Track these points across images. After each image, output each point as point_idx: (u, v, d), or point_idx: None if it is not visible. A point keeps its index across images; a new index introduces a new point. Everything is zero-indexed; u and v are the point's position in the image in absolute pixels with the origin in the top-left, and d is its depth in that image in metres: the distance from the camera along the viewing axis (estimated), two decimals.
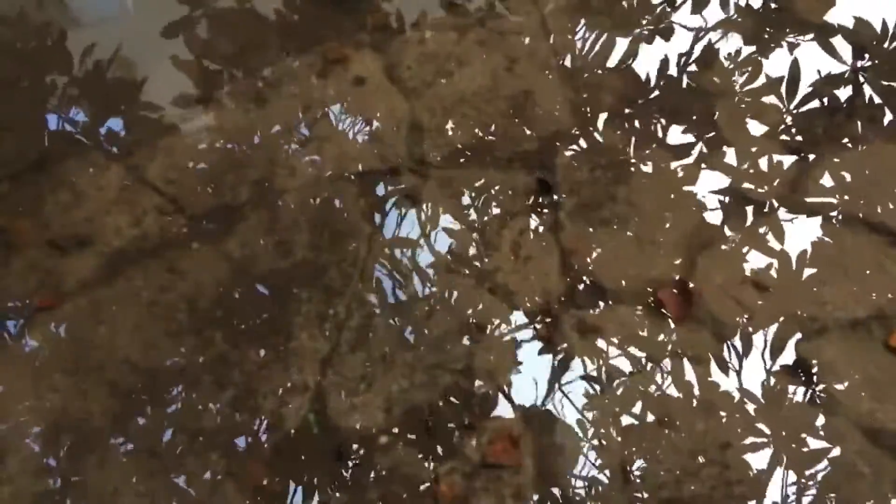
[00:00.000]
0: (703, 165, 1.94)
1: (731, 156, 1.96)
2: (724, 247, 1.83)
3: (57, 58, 2.15)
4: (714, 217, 1.87)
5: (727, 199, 1.89)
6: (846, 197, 1.89)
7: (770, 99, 2.05)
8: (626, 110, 2.03)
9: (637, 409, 1.64)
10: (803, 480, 1.56)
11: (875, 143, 1.96)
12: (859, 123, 2.00)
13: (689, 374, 1.68)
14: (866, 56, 2.12)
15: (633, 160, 1.95)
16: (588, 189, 1.91)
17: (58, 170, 1.95)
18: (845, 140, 1.98)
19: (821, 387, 1.66)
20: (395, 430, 1.63)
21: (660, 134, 2.00)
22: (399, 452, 1.60)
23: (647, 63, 2.12)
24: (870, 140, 1.97)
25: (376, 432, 1.62)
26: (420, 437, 1.62)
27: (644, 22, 2.20)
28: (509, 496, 1.56)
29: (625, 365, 1.69)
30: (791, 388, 1.66)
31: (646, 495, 1.55)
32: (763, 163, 1.95)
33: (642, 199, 1.89)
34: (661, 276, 1.79)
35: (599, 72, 2.10)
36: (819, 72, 2.09)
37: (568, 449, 1.59)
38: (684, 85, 2.08)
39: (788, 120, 2.01)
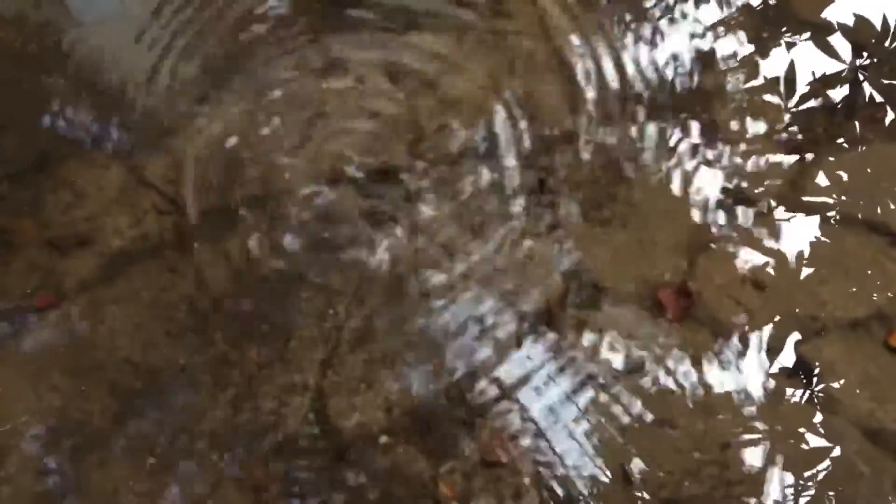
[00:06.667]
0: (702, 165, 1.94)
1: (730, 155, 1.96)
2: (723, 247, 1.83)
3: (57, 58, 2.14)
4: (714, 217, 1.87)
5: (727, 199, 1.89)
6: (846, 197, 1.89)
7: (769, 98, 2.05)
8: (627, 110, 2.03)
9: (637, 409, 1.64)
10: (802, 481, 1.56)
11: (875, 143, 1.96)
12: (859, 123, 2.00)
13: (689, 374, 1.68)
14: (866, 54, 2.11)
15: (633, 160, 1.95)
16: (588, 189, 1.91)
17: (58, 170, 1.95)
18: (845, 140, 1.98)
19: (820, 386, 1.66)
20: (395, 430, 1.63)
21: (659, 133, 1.99)
22: (399, 452, 1.60)
23: (648, 62, 2.12)
24: (869, 140, 1.97)
25: (376, 432, 1.63)
26: (420, 437, 1.62)
27: (643, 21, 2.19)
28: (509, 496, 1.56)
29: (624, 364, 1.69)
30: (790, 388, 1.66)
31: (646, 495, 1.55)
32: (762, 162, 1.95)
33: (642, 199, 1.89)
34: (661, 276, 1.79)
35: (599, 71, 2.10)
36: (813, 73, 2.09)
37: None
38: (683, 84, 2.08)
39: (787, 119, 2.01)
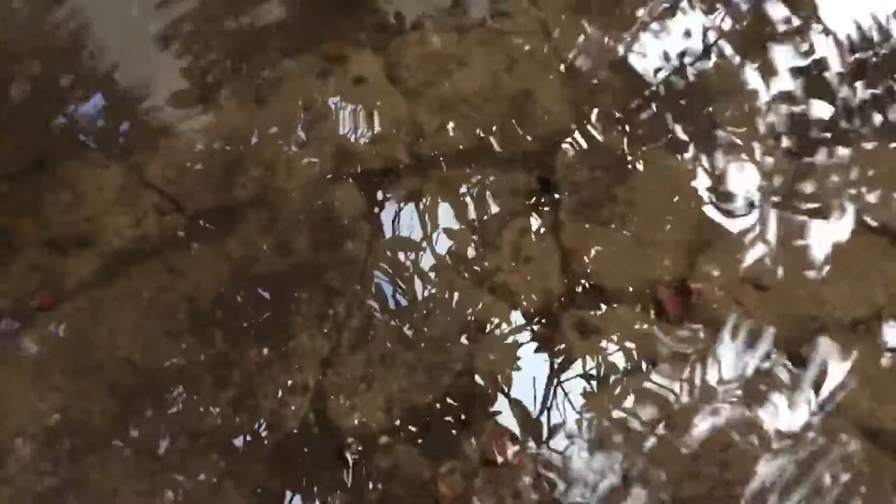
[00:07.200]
0: (702, 165, 1.94)
1: (731, 155, 1.96)
2: (723, 247, 1.83)
3: (57, 58, 2.15)
4: (714, 217, 1.87)
5: (727, 199, 1.89)
6: (846, 196, 1.89)
7: (769, 98, 2.05)
8: (627, 109, 2.03)
9: (637, 409, 1.64)
10: (801, 480, 1.56)
11: (875, 143, 1.96)
12: (859, 123, 2.00)
13: (689, 374, 1.68)
14: (865, 55, 2.11)
15: (632, 160, 1.95)
16: (588, 189, 1.91)
17: (58, 170, 1.95)
18: (845, 140, 1.97)
19: (821, 387, 1.66)
20: (395, 430, 1.63)
21: (660, 133, 2.00)
22: (399, 452, 1.60)
23: (647, 62, 2.12)
24: (869, 140, 1.97)
25: (376, 432, 1.63)
26: (420, 437, 1.62)
27: (644, 22, 2.20)
28: (509, 496, 1.56)
29: (624, 364, 1.69)
30: (790, 387, 1.66)
31: (646, 495, 1.55)
32: (763, 163, 1.95)
33: (642, 199, 1.90)
34: (661, 276, 1.79)
35: (599, 71, 2.10)
36: (814, 73, 2.09)
37: None
38: (684, 84, 2.08)
39: (788, 119, 2.01)
